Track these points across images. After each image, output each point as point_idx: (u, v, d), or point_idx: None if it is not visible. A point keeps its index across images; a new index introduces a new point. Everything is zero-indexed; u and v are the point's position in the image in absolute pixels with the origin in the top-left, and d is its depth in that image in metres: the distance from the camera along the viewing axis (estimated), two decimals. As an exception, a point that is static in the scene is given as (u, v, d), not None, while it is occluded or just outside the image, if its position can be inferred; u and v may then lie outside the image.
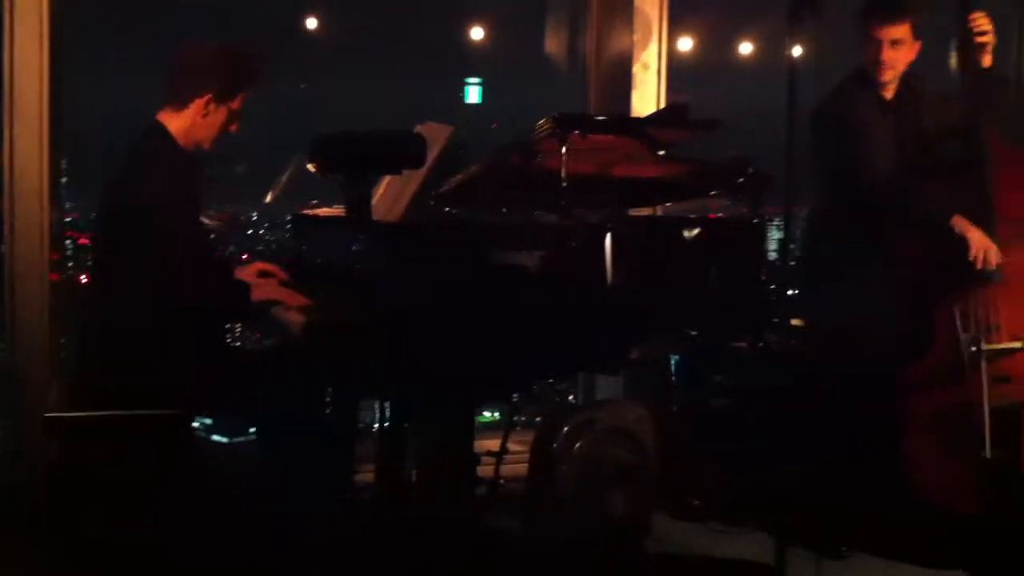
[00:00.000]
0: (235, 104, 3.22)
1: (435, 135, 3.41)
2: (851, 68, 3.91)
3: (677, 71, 4.77)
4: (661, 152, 3.68)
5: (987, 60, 3.74)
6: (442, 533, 3.18)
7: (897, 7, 3.77)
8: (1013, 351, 3.55)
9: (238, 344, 3.64)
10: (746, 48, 5.50)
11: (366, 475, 3.53)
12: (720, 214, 4.65)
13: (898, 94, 3.85)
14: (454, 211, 3.65)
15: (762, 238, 3.80)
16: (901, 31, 3.75)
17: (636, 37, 4.60)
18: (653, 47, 4.62)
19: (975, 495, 3.51)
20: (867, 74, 3.81)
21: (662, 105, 4.61)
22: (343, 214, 3.23)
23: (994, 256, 3.53)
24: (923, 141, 3.82)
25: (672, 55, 4.72)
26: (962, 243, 3.55)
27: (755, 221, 3.77)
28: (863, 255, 3.68)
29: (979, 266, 3.52)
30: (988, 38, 3.71)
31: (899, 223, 3.65)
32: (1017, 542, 3.50)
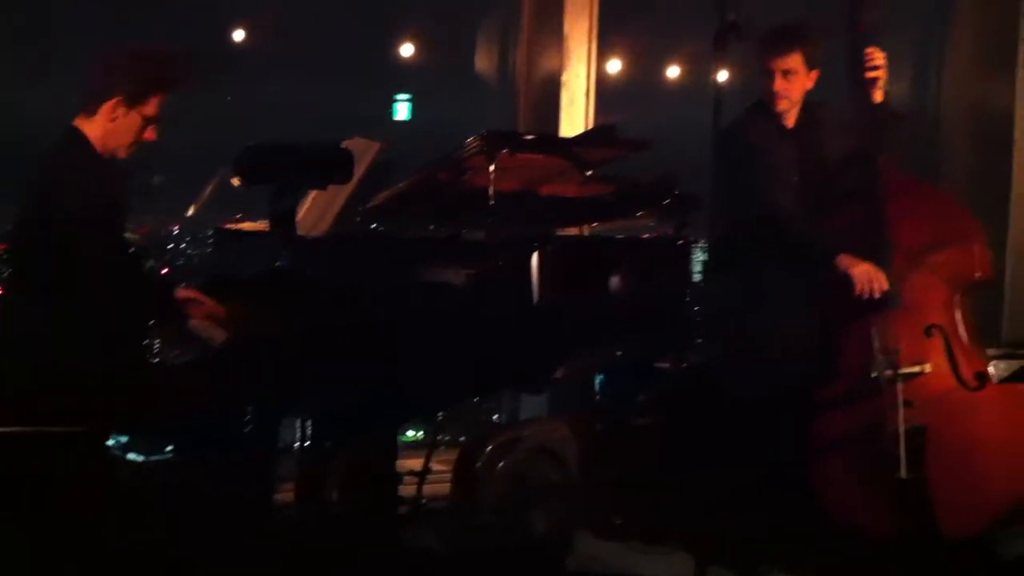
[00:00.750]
0: (148, 109, 3.12)
1: (363, 150, 3.39)
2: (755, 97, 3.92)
3: (606, 92, 4.81)
4: (589, 172, 3.72)
5: (878, 95, 3.78)
6: (363, 553, 3.14)
7: (787, 38, 3.80)
8: (914, 375, 3.61)
9: (157, 359, 3.56)
10: (674, 71, 5.56)
11: (286, 494, 3.48)
12: (647, 235, 4.70)
13: (799, 123, 3.89)
14: (381, 227, 3.62)
15: (686, 258, 3.85)
16: (793, 61, 3.79)
17: (565, 57, 4.63)
18: (582, 68, 4.66)
19: (887, 514, 3.55)
20: (765, 103, 3.86)
21: (590, 125, 4.65)
22: (267, 228, 3.18)
23: (882, 285, 3.59)
24: (824, 169, 3.86)
25: (601, 76, 4.77)
26: (848, 279, 3.59)
27: (680, 242, 3.81)
28: (768, 279, 3.71)
29: (872, 297, 3.58)
30: (879, 73, 3.75)
31: (795, 255, 3.68)
32: (926, 560, 3.54)
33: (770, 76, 3.79)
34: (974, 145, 5.36)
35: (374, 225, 3.57)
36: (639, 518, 3.99)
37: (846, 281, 3.60)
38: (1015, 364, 4.12)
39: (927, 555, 3.55)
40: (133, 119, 3.10)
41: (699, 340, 4.13)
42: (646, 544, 3.90)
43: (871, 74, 3.74)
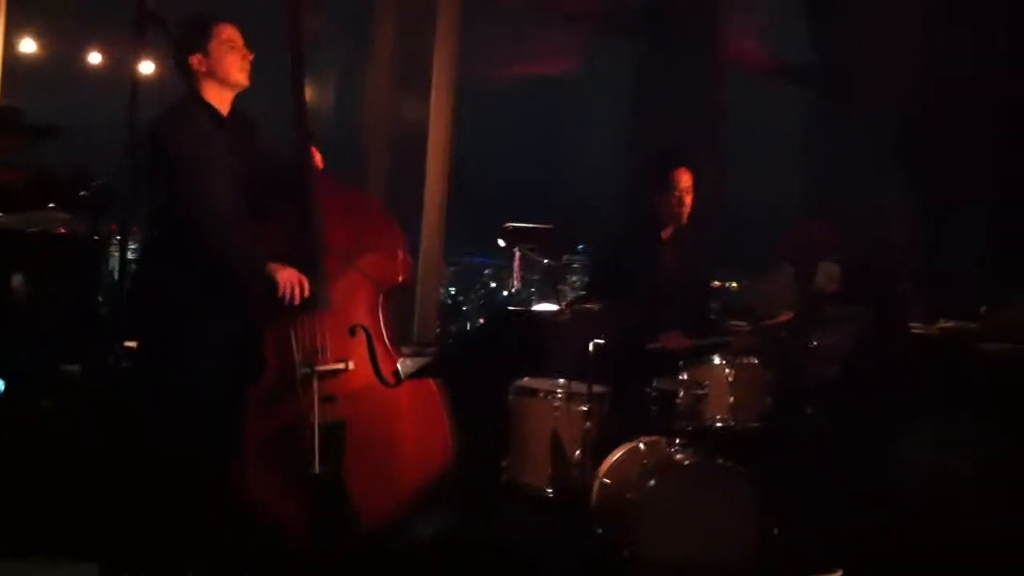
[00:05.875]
0: None
1: None
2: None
3: (17, 73, 4.42)
4: (-9, 157, 3.42)
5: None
6: None
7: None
8: (338, 372, 3.71)
9: None
10: (95, 58, 5.26)
11: None
12: (63, 229, 4.39)
13: (231, 120, 3.78)
14: None
15: (101, 256, 3.65)
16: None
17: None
18: (-11, 44, 4.25)
19: (305, 510, 3.63)
20: (205, 100, 3.70)
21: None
22: None
23: (305, 289, 3.65)
24: (256, 167, 3.80)
25: (12, 56, 4.38)
26: (273, 284, 3.62)
27: (96, 237, 3.61)
28: (191, 278, 3.63)
29: (294, 302, 3.63)
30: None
31: (221, 260, 3.63)
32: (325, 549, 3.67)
33: (226, 52, 3.69)
34: (392, 158, 5.72)
35: None
36: (43, 532, 3.72)
37: (271, 286, 3.63)
38: (420, 361, 4.42)
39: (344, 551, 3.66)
40: None
41: (117, 341, 3.93)
42: (49, 558, 3.65)
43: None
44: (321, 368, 3.67)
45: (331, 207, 3.78)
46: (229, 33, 3.73)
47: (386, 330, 3.85)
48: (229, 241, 3.64)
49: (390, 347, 3.85)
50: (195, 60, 3.69)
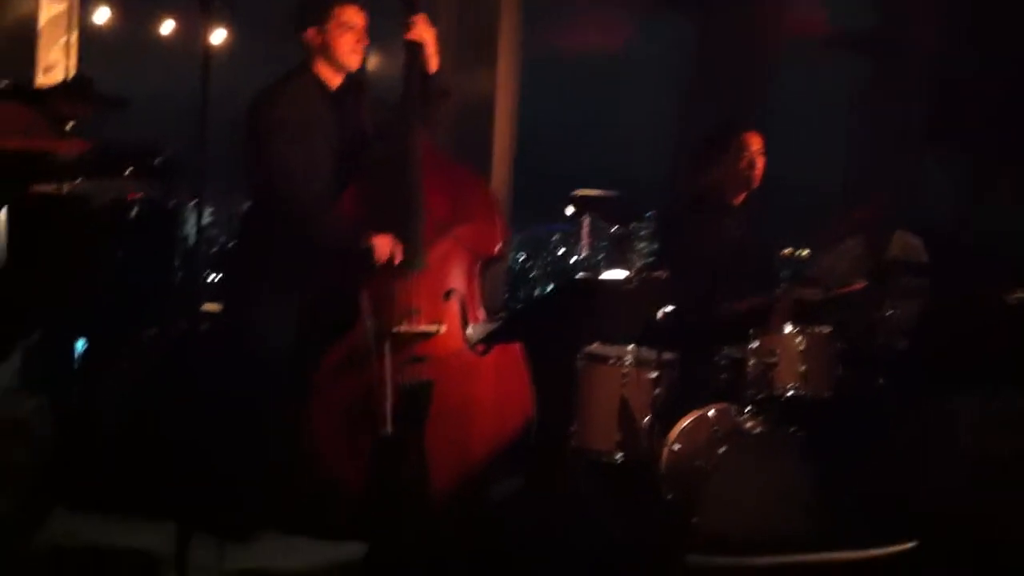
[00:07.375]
0: None
1: None
2: (296, 63, 3.79)
3: (91, 42, 4.48)
4: (67, 126, 3.48)
5: (433, 64, 3.87)
6: None
7: None
8: (430, 334, 3.78)
9: None
10: (167, 27, 5.31)
11: None
12: (139, 195, 4.46)
13: (343, 88, 3.85)
14: None
15: (176, 222, 3.72)
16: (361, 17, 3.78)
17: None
18: (62, 12, 4.31)
19: (377, 468, 3.67)
20: (315, 73, 3.77)
21: (69, 76, 4.31)
22: None
23: (400, 254, 3.73)
24: (362, 135, 3.87)
25: (86, 25, 4.44)
26: (369, 252, 3.69)
27: (171, 205, 3.67)
28: (284, 245, 3.69)
29: (393, 264, 3.70)
30: (419, 36, 3.79)
31: (319, 231, 3.71)
32: (395, 509, 3.70)
33: (341, 33, 3.72)
34: (459, 123, 5.71)
35: None
36: (120, 488, 3.81)
37: (368, 254, 3.68)
38: (488, 327, 4.43)
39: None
40: None
41: (195, 305, 4.00)
42: (126, 514, 3.74)
43: (412, 36, 3.80)
44: (415, 329, 3.72)
45: (431, 176, 3.82)
46: (350, 15, 3.75)
47: (479, 298, 3.91)
48: (327, 212, 3.69)
49: (481, 315, 3.89)
50: (311, 34, 3.74)
